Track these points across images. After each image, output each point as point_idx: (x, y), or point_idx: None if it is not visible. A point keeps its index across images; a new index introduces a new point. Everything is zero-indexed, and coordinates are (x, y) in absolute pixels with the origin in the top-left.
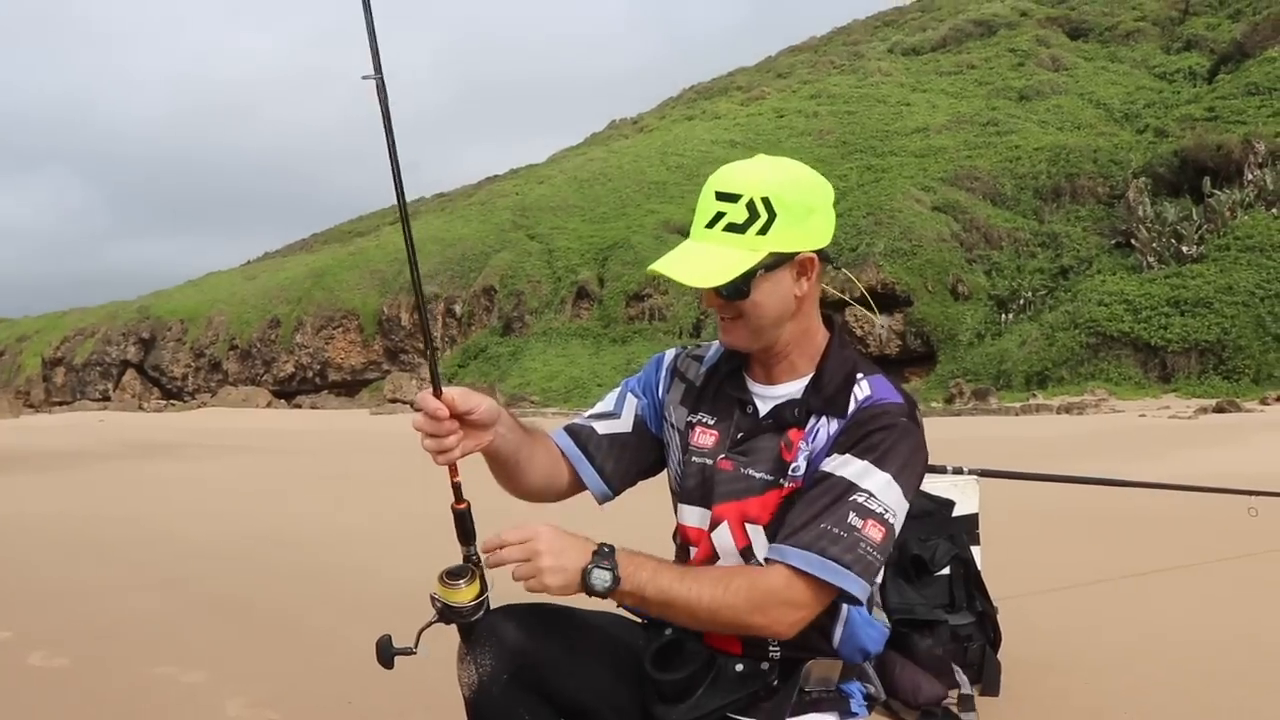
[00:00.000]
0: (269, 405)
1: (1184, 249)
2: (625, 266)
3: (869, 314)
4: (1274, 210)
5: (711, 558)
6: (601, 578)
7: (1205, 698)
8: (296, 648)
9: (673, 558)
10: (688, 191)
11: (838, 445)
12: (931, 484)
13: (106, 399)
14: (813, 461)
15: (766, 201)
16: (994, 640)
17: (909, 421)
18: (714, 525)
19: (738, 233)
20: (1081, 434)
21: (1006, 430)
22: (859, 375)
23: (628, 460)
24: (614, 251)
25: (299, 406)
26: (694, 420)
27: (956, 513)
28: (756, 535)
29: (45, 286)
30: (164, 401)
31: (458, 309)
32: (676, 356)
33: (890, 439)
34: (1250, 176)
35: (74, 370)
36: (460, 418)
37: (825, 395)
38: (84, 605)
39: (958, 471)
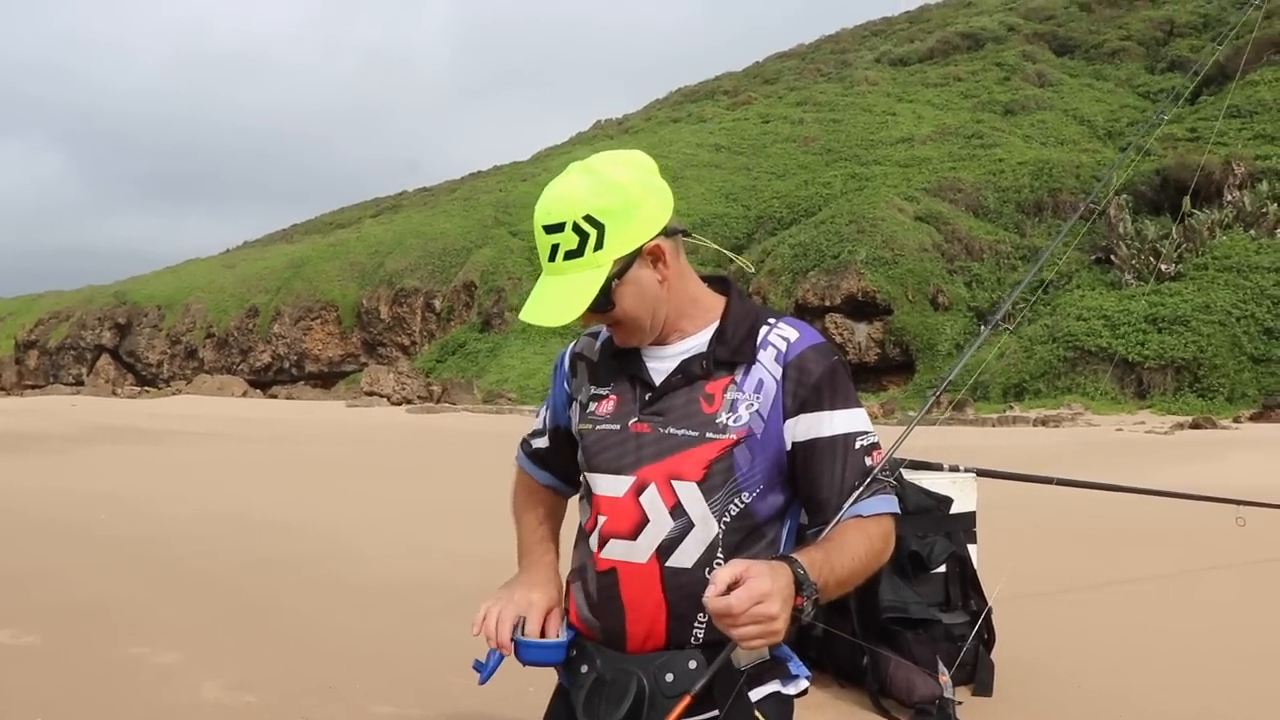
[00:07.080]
0: (244, 395)
1: (1163, 267)
2: None
3: (849, 321)
4: (1251, 231)
5: (640, 522)
6: (808, 611)
7: (1196, 703)
8: (274, 631)
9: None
10: (672, 194)
11: (799, 403)
12: (930, 480)
13: (80, 384)
14: (770, 418)
15: (589, 218)
16: (988, 640)
17: (837, 352)
18: (640, 489)
19: (577, 257)
20: (1060, 445)
21: (985, 440)
22: (769, 320)
23: (564, 459)
24: None
25: (275, 397)
26: (598, 393)
27: (954, 510)
28: (685, 491)
29: (18, 263)
30: (138, 388)
31: (437, 304)
32: (573, 345)
33: (839, 378)
34: (1229, 197)
35: (48, 354)
36: None
37: (731, 345)
38: (54, 584)
39: (954, 469)
